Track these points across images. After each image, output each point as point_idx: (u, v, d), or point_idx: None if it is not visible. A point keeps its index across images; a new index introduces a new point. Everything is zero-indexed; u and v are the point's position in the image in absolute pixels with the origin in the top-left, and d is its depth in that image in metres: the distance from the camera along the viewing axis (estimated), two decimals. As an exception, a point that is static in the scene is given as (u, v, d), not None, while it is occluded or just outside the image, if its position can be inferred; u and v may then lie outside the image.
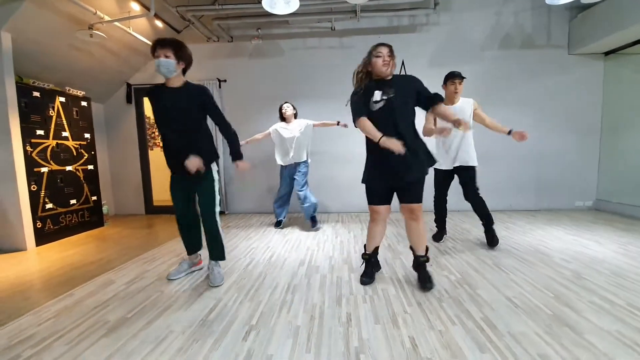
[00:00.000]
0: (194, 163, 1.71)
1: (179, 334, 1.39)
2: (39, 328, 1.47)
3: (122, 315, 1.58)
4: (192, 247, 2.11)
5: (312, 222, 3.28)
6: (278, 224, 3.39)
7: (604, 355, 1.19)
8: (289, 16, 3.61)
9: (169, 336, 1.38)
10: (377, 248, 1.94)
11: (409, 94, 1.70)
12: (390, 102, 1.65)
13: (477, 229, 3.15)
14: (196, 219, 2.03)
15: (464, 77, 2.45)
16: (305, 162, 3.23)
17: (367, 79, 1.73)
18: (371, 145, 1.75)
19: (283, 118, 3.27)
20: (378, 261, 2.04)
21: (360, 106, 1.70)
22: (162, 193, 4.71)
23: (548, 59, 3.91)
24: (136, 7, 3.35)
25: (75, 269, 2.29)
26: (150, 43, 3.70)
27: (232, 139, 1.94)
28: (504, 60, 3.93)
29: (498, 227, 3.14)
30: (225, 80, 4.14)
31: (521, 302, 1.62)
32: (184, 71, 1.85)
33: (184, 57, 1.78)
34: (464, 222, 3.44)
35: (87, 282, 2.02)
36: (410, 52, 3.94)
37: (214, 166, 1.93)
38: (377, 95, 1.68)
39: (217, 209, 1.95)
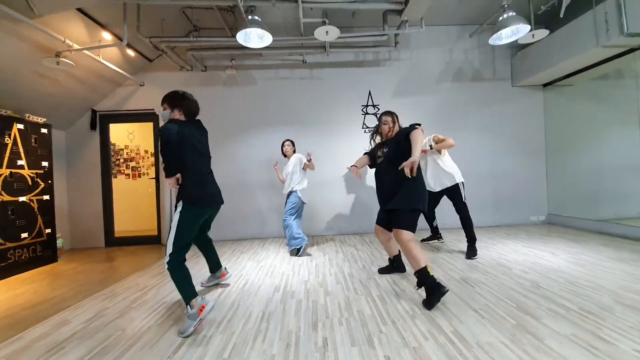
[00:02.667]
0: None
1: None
2: (-24, 380, 1.30)
3: (79, 357, 1.45)
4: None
5: (292, 251, 3.22)
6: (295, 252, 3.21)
7: (562, 358, 1.29)
8: (262, 49, 3.80)
9: (132, 376, 1.28)
10: (395, 256, 2.44)
11: (397, 147, 2.11)
12: (385, 156, 2.19)
13: (444, 246, 3.30)
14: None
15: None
16: (294, 192, 3.25)
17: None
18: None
19: (284, 154, 3.41)
20: (402, 264, 2.47)
21: (369, 151, 2.40)
22: (124, 223, 4.47)
23: (495, 91, 4.40)
24: (107, 37, 3.36)
25: (25, 310, 2.06)
26: (120, 71, 3.69)
27: None
28: (457, 91, 4.37)
29: (463, 245, 3.32)
30: (197, 108, 4.16)
31: (487, 313, 1.71)
32: (192, 116, 1.98)
33: (176, 104, 1.92)
34: (433, 242, 3.58)
35: (39, 324, 1.83)
36: (375, 84, 4.28)
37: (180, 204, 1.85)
38: (379, 152, 2.26)
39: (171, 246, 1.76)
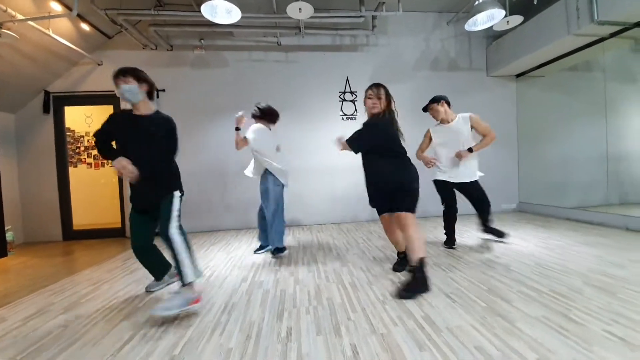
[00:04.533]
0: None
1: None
2: None
3: (8, 358, 1.26)
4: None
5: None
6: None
7: (533, 341, 1.25)
8: (233, 27, 3.57)
9: (64, 378, 1.11)
10: (401, 252, 2.19)
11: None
12: None
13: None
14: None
15: (435, 102, 2.76)
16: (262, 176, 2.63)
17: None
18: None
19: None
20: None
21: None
22: (86, 215, 4.14)
23: (471, 80, 4.42)
24: (57, 7, 3.01)
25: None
26: (74, 47, 3.34)
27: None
28: (434, 80, 4.34)
29: (439, 231, 3.33)
30: (164, 90, 3.88)
31: (458, 297, 1.67)
32: (150, 96, 1.82)
33: (144, 78, 1.77)
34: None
35: (-37, 324, 1.60)
36: (353, 69, 4.16)
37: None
38: None
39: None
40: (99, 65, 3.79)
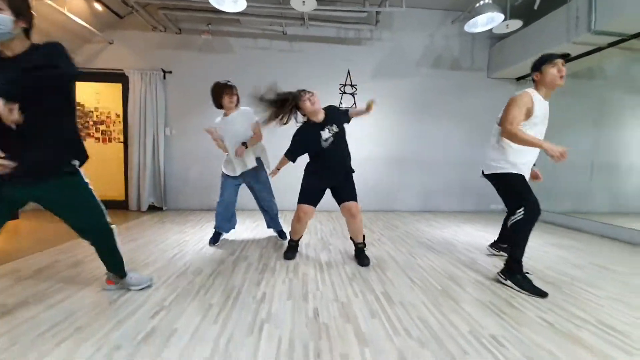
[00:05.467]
0: None
1: (81, 316, 1.35)
2: None
3: (22, 300, 1.49)
4: None
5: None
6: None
7: (471, 318, 1.44)
8: (240, 15, 3.67)
9: (68, 318, 1.33)
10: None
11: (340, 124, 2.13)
12: (335, 134, 2.06)
13: (405, 226, 3.46)
14: None
15: (569, 55, 1.88)
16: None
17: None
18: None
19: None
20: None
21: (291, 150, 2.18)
22: (96, 186, 4.38)
23: (471, 80, 4.48)
24: (72, -14, 3.16)
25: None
26: (87, 25, 3.49)
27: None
28: (436, 77, 4.41)
29: (422, 225, 3.50)
30: (170, 72, 4.03)
31: (420, 280, 1.86)
32: (27, 33, 1.25)
33: (23, 11, 1.20)
34: (395, 220, 3.76)
35: (-16, 271, 1.84)
36: (355, 62, 4.25)
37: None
38: (326, 131, 2.03)
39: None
40: (110, 44, 3.94)
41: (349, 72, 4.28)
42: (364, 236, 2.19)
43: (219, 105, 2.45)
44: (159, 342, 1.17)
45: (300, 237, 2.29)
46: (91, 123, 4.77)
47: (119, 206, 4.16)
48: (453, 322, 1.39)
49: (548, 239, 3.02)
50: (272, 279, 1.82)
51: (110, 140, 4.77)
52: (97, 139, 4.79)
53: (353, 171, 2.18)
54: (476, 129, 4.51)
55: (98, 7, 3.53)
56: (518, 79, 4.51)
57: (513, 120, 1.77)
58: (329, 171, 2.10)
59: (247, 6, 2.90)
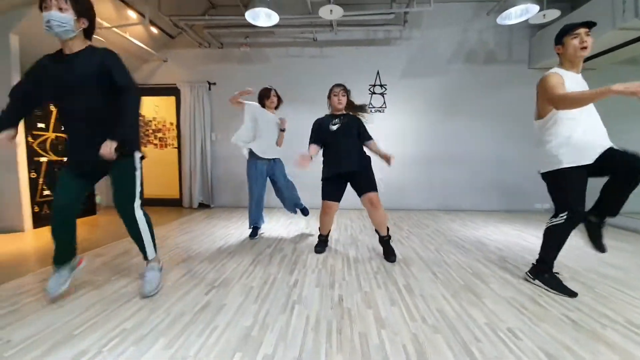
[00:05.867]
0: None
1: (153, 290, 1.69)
2: (37, 285, 1.77)
3: (107, 277, 1.89)
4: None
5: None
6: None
7: (490, 312, 1.50)
8: (273, 27, 3.96)
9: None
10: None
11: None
12: (343, 125, 2.29)
13: (436, 224, 3.48)
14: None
15: (594, 24, 1.68)
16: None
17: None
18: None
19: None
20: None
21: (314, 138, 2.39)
22: (151, 187, 5.02)
23: (509, 73, 4.29)
24: (133, 15, 3.69)
25: (68, 246, 2.58)
26: (145, 47, 4.03)
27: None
28: (468, 73, 4.30)
29: (455, 224, 3.48)
30: (214, 83, 4.48)
31: (443, 276, 1.95)
32: (88, 35, 1.46)
33: (86, 12, 1.39)
34: (426, 219, 3.78)
35: (80, 254, 2.31)
36: (384, 63, 4.32)
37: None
38: (334, 122, 2.30)
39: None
40: (164, 62, 4.50)
41: (378, 73, 4.37)
42: (387, 229, 2.29)
43: (262, 104, 2.87)
44: (212, 313, 1.44)
45: (329, 232, 2.47)
46: (150, 131, 5.45)
47: (175, 204, 4.73)
48: (470, 314, 1.47)
49: (593, 240, 2.84)
50: (303, 269, 2.04)
51: (166, 146, 5.41)
52: (155, 145, 5.46)
53: (369, 166, 2.27)
54: (515, 123, 4.31)
55: (154, 30, 4.06)
56: (563, 68, 4.21)
57: (554, 88, 1.59)
58: (339, 156, 2.23)
59: (280, 19, 3.16)
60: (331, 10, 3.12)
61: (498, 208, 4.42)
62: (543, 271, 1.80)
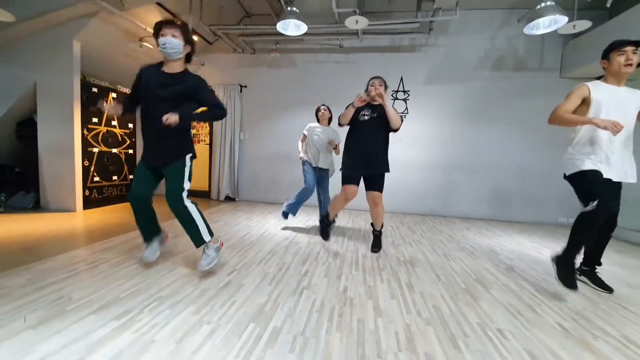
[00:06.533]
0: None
1: (181, 269, 1.97)
2: (89, 256, 2.11)
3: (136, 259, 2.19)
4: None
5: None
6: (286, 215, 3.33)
7: (484, 314, 1.60)
8: (303, 35, 4.20)
9: (174, 270, 1.96)
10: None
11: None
12: (372, 117, 2.40)
13: (450, 231, 3.53)
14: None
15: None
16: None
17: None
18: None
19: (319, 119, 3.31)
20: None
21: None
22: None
23: (540, 81, 4.19)
24: (178, 23, 4.08)
25: (115, 226, 2.97)
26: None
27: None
28: (494, 81, 4.27)
29: (470, 232, 3.50)
30: (246, 86, 4.81)
31: (445, 278, 2.05)
32: (188, 58, 1.81)
33: (191, 41, 1.76)
34: (441, 225, 3.82)
35: (123, 234, 2.68)
36: (409, 69, 4.40)
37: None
38: (365, 111, 2.42)
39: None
40: (202, 65, 4.89)
41: (401, 79, 4.45)
42: (382, 225, 2.56)
43: (317, 118, 3.29)
44: (233, 290, 1.68)
45: (336, 216, 2.74)
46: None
47: (204, 195, 5.13)
48: (464, 313, 1.58)
49: (613, 257, 2.76)
50: (315, 261, 2.23)
51: (199, 142, 5.83)
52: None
53: (388, 170, 2.44)
54: (543, 133, 4.20)
55: (195, 37, 4.44)
56: (599, 78, 4.03)
57: (557, 107, 1.80)
58: (360, 153, 2.35)
59: (308, 27, 3.37)
60: (357, 21, 3.28)
61: (519, 219, 4.34)
62: (564, 259, 1.80)
